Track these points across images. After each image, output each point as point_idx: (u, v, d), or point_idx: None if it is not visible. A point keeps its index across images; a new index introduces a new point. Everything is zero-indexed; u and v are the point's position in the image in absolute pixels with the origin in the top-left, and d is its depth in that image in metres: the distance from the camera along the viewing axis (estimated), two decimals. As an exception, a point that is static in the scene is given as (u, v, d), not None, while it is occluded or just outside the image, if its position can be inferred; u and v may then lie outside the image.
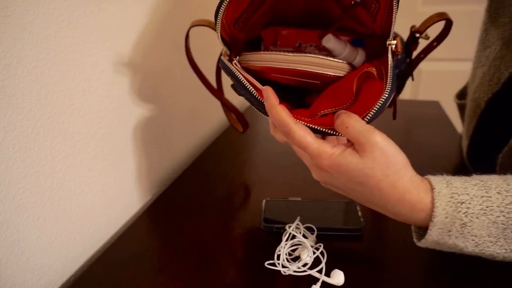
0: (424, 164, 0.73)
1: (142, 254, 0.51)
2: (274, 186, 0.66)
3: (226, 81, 0.72)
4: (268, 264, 0.48)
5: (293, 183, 0.67)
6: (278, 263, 0.47)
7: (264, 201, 0.59)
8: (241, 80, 0.42)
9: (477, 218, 0.37)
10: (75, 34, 0.48)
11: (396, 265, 0.48)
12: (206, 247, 0.51)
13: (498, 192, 0.37)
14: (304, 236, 0.51)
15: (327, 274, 0.46)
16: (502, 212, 0.36)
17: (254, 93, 0.42)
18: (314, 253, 0.49)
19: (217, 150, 0.82)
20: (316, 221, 0.54)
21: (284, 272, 0.46)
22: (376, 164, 0.37)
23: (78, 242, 0.52)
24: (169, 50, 0.70)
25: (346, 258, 0.49)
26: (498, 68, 0.55)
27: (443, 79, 1.64)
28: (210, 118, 0.83)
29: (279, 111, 0.39)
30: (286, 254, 0.48)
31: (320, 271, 0.46)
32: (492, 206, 0.37)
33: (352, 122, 0.37)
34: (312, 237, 0.51)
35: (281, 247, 0.49)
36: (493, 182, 0.38)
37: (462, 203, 0.37)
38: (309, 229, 0.53)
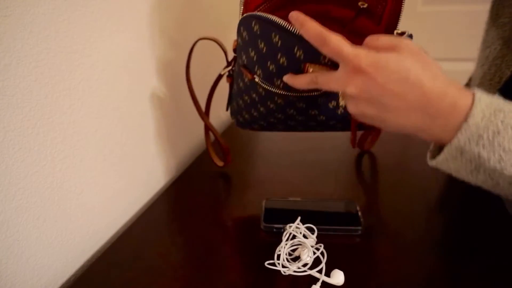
0: (424, 164, 0.73)
1: (142, 254, 0.51)
2: (274, 186, 0.66)
3: (214, 106, 0.73)
4: (268, 264, 0.48)
5: (293, 183, 0.67)
6: (278, 263, 0.47)
7: (264, 201, 0.59)
8: (270, 18, 0.47)
9: (511, 128, 0.35)
10: (75, 34, 0.48)
11: (396, 265, 0.48)
12: (206, 247, 0.51)
13: None
14: (304, 236, 0.51)
15: (327, 274, 0.46)
16: None
17: (285, 25, 0.46)
18: (314, 253, 0.49)
19: (217, 150, 0.82)
20: (316, 221, 0.54)
21: (284, 272, 0.46)
22: (415, 57, 0.37)
23: (78, 242, 0.52)
24: (169, 50, 0.70)
25: (346, 258, 0.49)
26: (499, 67, 0.55)
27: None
28: (210, 118, 0.83)
29: (314, 23, 0.40)
30: (286, 254, 0.48)
31: (320, 271, 0.46)
32: None
33: (382, 35, 0.39)
34: (313, 237, 0.51)
35: (281, 247, 0.49)
36: None
37: (501, 110, 0.36)
38: (309, 229, 0.53)
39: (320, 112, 0.53)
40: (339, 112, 0.49)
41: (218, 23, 0.92)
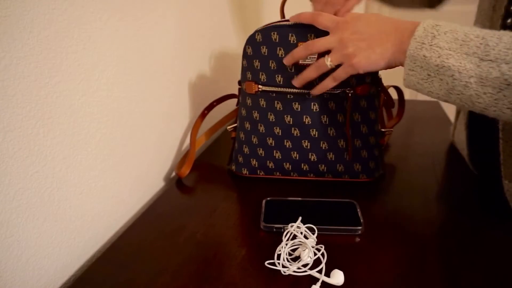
0: (424, 164, 0.73)
1: (142, 254, 0.51)
2: (274, 186, 0.66)
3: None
4: (268, 263, 0.48)
5: (293, 183, 0.67)
6: (278, 263, 0.47)
7: (264, 201, 0.59)
8: (270, 24, 0.62)
9: (445, 34, 0.47)
10: (75, 34, 0.48)
11: (396, 265, 0.48)
12: (206, 247, 0.51)
13: (470, 27, 0.47)
14: (305, 236, 0.51)
15: (327, 274, 0.46)
16: (465, 33, 0.46)
17: (282, 22, 0.61)
18: (315, 254, 0.49)
19: (217, 150, 0.82)
20: (316, 221, 0.54)
21: (284, 272, 0.46)
22: (373, 13, 0.55)
23: (78, 242, 0.52)
24: (169, 50, 0.70)
25: (346, 258, 0.49)
26: (493, 9, 0.60)
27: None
28: (210, 119, 0.83)
29: (306, 13, 0.60)
30: (286, 254, 0.48)
31: (320, 271, 0.46)
32: (460, 29, 0.47)
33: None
34: (313, 238, 0.51)
35: (282, 247, 0.49)
36: (469, 27, 0.48)
37: (438, 25, 0.48)
38: (310, 229, 0.53)
39: (312, 118, 0.63)
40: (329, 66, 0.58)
41: (221, 25, 0.92)
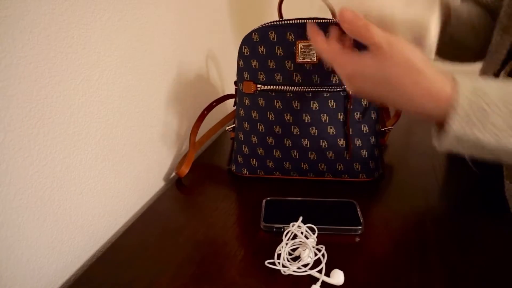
0: (424, 164, 0.73)
1: (142, 254, 0.51)
2: (274, 186, 0.66)
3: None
4: (268, 263, 0.48)
5: (293, 182, 0.67)
6: (279, 263, 0.47)
7: (264, 201, 0.59)
8: (266, 23, 0.61)
9: (496, 106, 0.38)
10: (75, 34, 0.48)
11: (396, 265, 0.48)
12: (206, 247, 0.52)
13: None
14: (305, 236, 0.51)
15: (327, 274, 0.46)
16: None
17: (278, 22, 0.61)
18: (315, 254, 0.49)
19: (217, 150, 0.82)
20: (316, 220, 0.54)
21: (284, 272, 0.46)
22: (396, 64, 0.41)
23: (78, 242, 0.52)
24: (169, 50, 0.70)
25: (346, 258, 0.49)
26: (500, 51, 0.58)
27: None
28: (210, 119, 0.83)
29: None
30: (286, 254, 0.48)
31: (320, 271, 0.46)
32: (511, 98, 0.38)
33: (374, 28, 0.42)
34: (313, 237, 0.51)
35: (282, 246, 0.49)
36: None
37: (484, 93, 0.39)
38: (310, 229, 0.53)
39: (312, 117, 0.63)
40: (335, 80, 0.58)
41: (222, 26, 0.93)
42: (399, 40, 0.42)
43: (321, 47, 0.46)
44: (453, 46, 0.65)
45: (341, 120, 0.63)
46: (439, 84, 0.40)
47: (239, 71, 0.65)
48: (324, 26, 0.59)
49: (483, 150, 0.41)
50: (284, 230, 0.52)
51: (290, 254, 0.49)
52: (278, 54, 0.61)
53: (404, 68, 0.41)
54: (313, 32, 0.47)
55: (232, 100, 0.73)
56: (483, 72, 0.64)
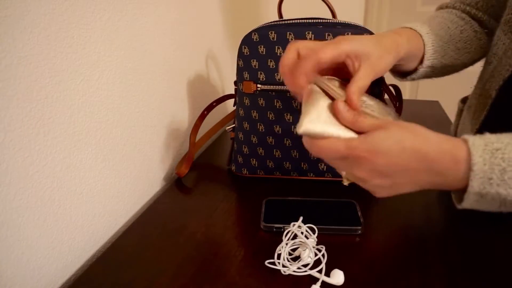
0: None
1: (142, 254, 0.51)
2: (274, 186, 0.66)
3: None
4: (268, 263, 0.48)
5: (293, 182, 0.67)
6: (279, 263, 0.47)
7: (264, 201, 0.59)
8: (266, 23, 0.63)
9: None
10: (75, 34, 0.48)
11: (396, 265, 0.48)
12: (206, 247, 0.52)
13: None
14: (305, 236, 0.51)
15: (327, 274, 0.46)
16: None
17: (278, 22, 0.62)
18: (316, 254, 0.49)
19: (217, 150, 0.82)
20: (315, 220, 0.54)
21: (284, 272, 0.46)
22: (402, 128, 0.40)
23: (78, 242, 0.52)
24: (169, 50, 0.70)
25: (346, 258, 0.49)
26: (509, 57, 0.56)
27: (443, 79, 1.65)
28: (210, 119, 0.83)
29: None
30: (286, 254, 0.48)
31: (320, 271, 0.46)
32: None
33: (364, 118, 0.40)
34: (313, 237, 0.51)
35: (282, 246, 0.49)
36: None
37: (498, 150, 0.38)
38: (310, 229, 0.53)
39: None
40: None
41: (224, 26, 0.93)
42: (378, 136, 0.40)
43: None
44: (445, 71, 0.63)
45: None
46: (450, 145, 0.40)
47: (239, 71, 0.65)
48: (324, 26, 0.59)
49: (505, 203, 0.40)
50: (284, 230, 0.52)
51: (290, 254, 0.49)
52: (278, 54, 0.61)
53: (405, 149, 0.40)
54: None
55: (232, 100, 0.73)
56: (488, 80, 0.62)
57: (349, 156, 0.41)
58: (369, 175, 0.42)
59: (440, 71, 0.62)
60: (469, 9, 0.66)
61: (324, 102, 0.42)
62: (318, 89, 0.44)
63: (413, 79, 0.61)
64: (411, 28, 0.56)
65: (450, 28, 0.61)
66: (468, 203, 0.42)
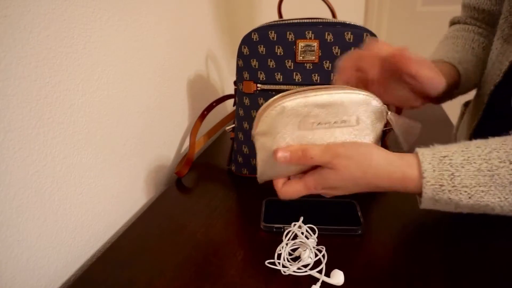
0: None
1: (142, 254, 0.51)
2: (274, 186, 0.66)
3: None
4: (268, 263, 0.48)
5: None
6: (279, 263, 0.47)
7: (264, 201, 0.59)
8: (266, 23, 0.62)
9: (462, 167, 0.40)
10: (75, 34, 0.48)
11: (396, 265, 0.48)
12: (206, 247, 0.52)
13: (477, 146, 0.41)
14: (305, 236, 0.51)
15: (327, 274, 0.46)
16: (484, 159, 0.40)
17: (278, 21, 0.62)
18: (316, 255, 0.49)
19: (217, 150, 0.82)
20: (315, 220, 0.54)
21: (284, 272, 0.46)
22: (348, 161, 0.43)
23: (78, 242, 0.52)
24: (169, 50, 0.70)
25: (346, 258, 0.49)
26: (501, 61, 0.56)
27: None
28: (210, 119, 0.83)
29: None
30: (286, 254, 0.48)
31: (320, 271, 0.46)
32: (473, 156, 0.41)
33: (312, 151, 0.43)
34: (314, 238, 0.51)
35: (282, 246, 0.49)
36: (472, 142, 0.43)
37: (445, 156, 0.41)
38: (310, 229, 0.53)
39: None
40: None
41: (227, 29, 0.93)
42: (342, 147, 0.43)
43: (281, 190, 0.48)
44: (463, 91, 0.64)
45: None
46: (398, 168, 0.43)
47: (239, 71, 0.65)
48: (324, 25, 0.59)
49: (460, 207, 0.43)
50: (284, 230, 0.52)
51: (290, 254, 0.49)
52: (278, 54, 0.61)
53: (359, 164, 0.43)
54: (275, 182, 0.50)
55: (232, 100, 0.73)
56: (482, 85, 0.63)
57: (309, 191, 0.46)
58: (335, 192, 0.46)
59: (473, 88, 0.65)
60: (480, 24, 0.68)
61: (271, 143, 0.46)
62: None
63: (448, 100, 0.64)
64: (444, 61, 0.58)
65: (475, 48, 0.64)
66: (425, 205, 0.45)
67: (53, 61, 0.45)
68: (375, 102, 0.43)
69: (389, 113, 0.45)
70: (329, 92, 0.42)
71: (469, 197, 0.41)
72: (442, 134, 0.88)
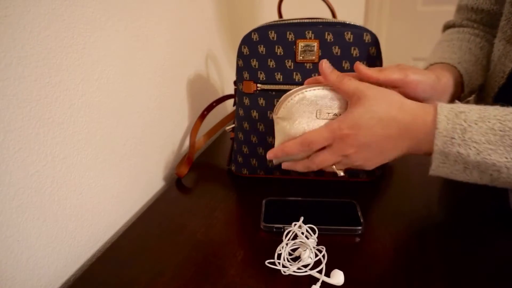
0: (425, 164, 0.73)
1: (142, 254, 0.51)
2: (274, 186, 0.66)
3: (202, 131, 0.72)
4: (268, 263, 0.48)
5: (293, 182, 0.67)
6: (279, 263, 0.47)
7: (264, 201, 0.59)
8: (266, 23, 0.63)
9: (475, 124, 0.41)
10: (75, 34, 0.48)
11: (396, 265, 0.48)
12: (206, 247, 0.52)
13: (495, 108, 0.43)
14: (305, 236, 0.51)
15: (327, 274, 0.46)
16: (499, 119, 0.41)
17: (278, 21, 0.62)
18: (316, 255, 0.49)
19: (217, 150, 0.82)
20: (316, 221, 0.54)
21: (284, 272, 0.46)
22: (378, 100, 0.45)
23: (78, 242, 0.52)
24: (169, 50, 0.70)
25: (346, 258, 0.49)
26: (503, 63, 0.56)
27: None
28: (210, 119, 0.83)
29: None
30: (286, 254, 0.48)
31: (320, 271, 0.46)
32: (489, 115, 0.42)
33: (347, 80, 0.46)
34: (314, 238, 0.51)
35: (282, 246, 0.49)
36: (491, 106, 0.43)
37: (462, 112, 0.42)
38: (311, 229, 0.53)
39: None
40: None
41: (226, 30, 0.93)
42: (371, 85, 0.46)
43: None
44: (479, 87, 0.65)
45: None
46: (420, 115, 0.45)
47: (239, 71, 0.65)
48: (324, 25, 0.59)
49: (467, 166, 0.43)
50: (284, 230, 0.52)
51: (290, 254, 0.49)
52: (278, 54, 0.61)
53: (382, 119, 0.45)
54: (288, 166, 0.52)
55: (232, 100, 0.73)
56: (485, 87, 0.62)
57: (334, 138, 0.46)
58: (357, 149, 0.46)
59: (477, 90, 0.65)
60: (476, 26, 0.67)
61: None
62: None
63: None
64: (442, 63, 0.59)
65: (472, 49, 0.64)
66: (435, 165, 0.45)
67: (53, 61, 0.45)
68: None
69: None
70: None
71: (477, 153, 0.41)
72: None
